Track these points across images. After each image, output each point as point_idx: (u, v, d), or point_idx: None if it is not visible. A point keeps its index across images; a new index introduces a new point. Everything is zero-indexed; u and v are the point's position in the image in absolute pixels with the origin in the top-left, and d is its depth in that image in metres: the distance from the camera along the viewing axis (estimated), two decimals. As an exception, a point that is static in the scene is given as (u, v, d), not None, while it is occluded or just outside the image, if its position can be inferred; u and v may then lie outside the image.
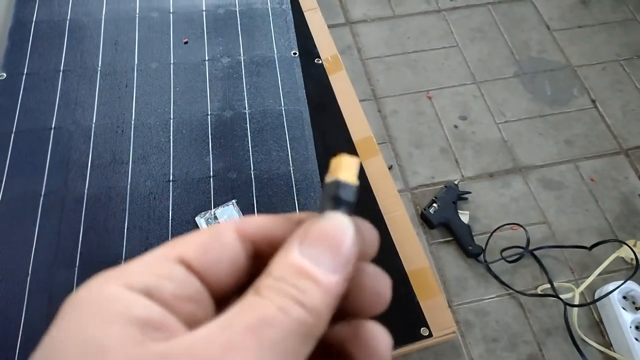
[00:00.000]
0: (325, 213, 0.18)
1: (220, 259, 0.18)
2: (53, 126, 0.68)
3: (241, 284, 0.19)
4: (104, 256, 0.59)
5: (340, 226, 0.17)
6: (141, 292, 0.16)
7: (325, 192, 0.18)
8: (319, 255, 0.16)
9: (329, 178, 0.19)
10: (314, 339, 0.15)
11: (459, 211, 1.18)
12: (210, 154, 0.67)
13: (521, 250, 1.14)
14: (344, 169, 0.18)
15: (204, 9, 0.79)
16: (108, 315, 0.15)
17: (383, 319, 0.64)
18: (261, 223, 0.19)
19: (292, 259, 0.16)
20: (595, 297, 1.09)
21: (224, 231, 0.18)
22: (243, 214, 0.62)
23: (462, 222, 1.16)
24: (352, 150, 0.69)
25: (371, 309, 0.19)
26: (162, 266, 0.17)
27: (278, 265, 0.16)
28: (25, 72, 0.72)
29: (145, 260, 0.17)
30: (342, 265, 0.16)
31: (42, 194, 0.63)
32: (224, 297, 0.18)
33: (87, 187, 0.64)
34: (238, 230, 0.18)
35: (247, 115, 0.70)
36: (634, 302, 1.06)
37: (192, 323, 0.16)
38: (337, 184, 0.18)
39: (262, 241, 0.19)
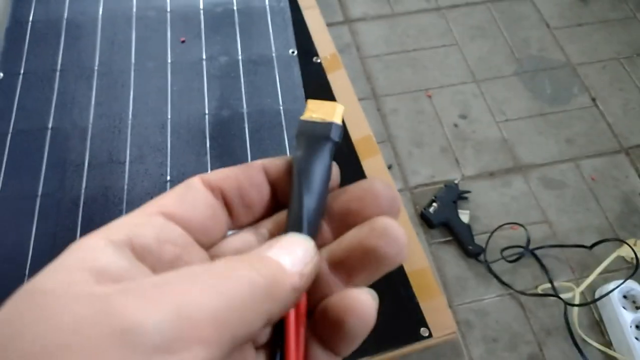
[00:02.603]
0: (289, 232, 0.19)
1: (195, 206, 0.19)
2: (50, 126, 0.67)
3: (225, 233, 0.21)
4: (100, 257, 0.58)
5: (299, 239, 0.18)
6: (121, 243, 0.16)
7: (313, 131, 0.20)
8: (282, 252, 0.18)
9: (312, 117, 0.20)
10: (262, 310, 0.16)
11: (459, 211, 1.17)
12: (208, 154, 0.66)
13: (521, 249, 1.14)
14: (332, 113, 0.20)
15: (201, 7, 0.78)
16: (71, 264, 0.15)
17: (383, 319, 0.64)
18: (224, 172, 0.21)
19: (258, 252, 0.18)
20: (596, 297, 1.08)
21: (193, 182, 0.20)
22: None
23: (462, 221, 1.15)
24: (351, 149, 0.69)
25: (389, 260, 0.19)
26: (142, 217, 0.18)
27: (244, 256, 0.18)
28: (21, 72, 0.72)
29: (128, 216, 0.18)
30: (296, 262, 0.17)
31: (39, 194, 0.63)
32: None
33: (84, 187, 0.64)
34: (203, 181, 0.20)
35: (245, 115, 0.69)
36: (634, 302, 1.05)
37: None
38: (330, 126, 0.20)
39: (229, 188, 0.20)
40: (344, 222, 0.20)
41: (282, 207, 0.21)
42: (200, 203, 0.20)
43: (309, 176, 0.19)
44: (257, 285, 0.16)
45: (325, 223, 0.20)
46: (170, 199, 0.19)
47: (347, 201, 0.20)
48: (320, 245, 0.20)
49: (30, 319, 0.13)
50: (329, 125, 0.20)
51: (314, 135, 0.20)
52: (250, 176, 0.20)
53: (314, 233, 0.19)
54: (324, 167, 0.19)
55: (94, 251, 0.16)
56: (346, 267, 0.20)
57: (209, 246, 0.20)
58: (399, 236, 0.19)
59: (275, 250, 0.17)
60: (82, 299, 0.14)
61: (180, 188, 0.20)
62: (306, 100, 0.21)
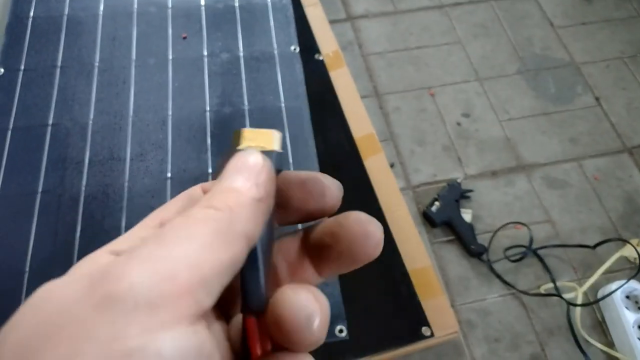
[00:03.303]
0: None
1: None
2: (50, 123, 0.67)
3: None
4: (100, 255, 0.58)
5: (242, 156, 0.19)
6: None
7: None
8: (230, 177, 0.18)
9: (251, 147, 0.20)
10: (234, 234, 0.16)
11: (461, 210, 1.17)
12: (209, 151, 0.66)
13: (524, 249, 1.13)
14: (270, 141, 0.20)
15: (202, 3, 0.78)
16: (74, 272, 0.16)
17: (385, 318, 0.63)
18: None
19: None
20: (598, 297, 1.08)
21: (194, 191, 0.21)
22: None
23: (465, 221, 1.15)
24: (353, 147, 0.68)
25: (362, 252, 0.19)
26: (145, 229, 0.19)
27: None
28: (22, 68, 0.72)
29: (132, 230, 0.19)
30: (248, 176, 0.18)
31: (39, 191, 0.63)
32: None
33: (84, 184, 0.63)
34: (204, 189, 0.21)
35: (247, 112, 0.69)
36: (636, 302, 1.05)
37: None
38: (271, 154, 0.19)
39: None
40: (321, 256, 0.20)
41: (283, 214, 0.21)
42: None
43: None
44: (217, 218, 0.16)
45: (306, 259, 0.21)
46: (172, 210, 0.19)
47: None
48: (301, 280, 0.21)
49: (27, 311, 0.14)
50: (269, 154, 0.19)
51: None
52: None
53: (267, 263, 0.19)
54: None
55: (98, 262, 0.16)
56: (320, 251, 0.20)
57: None
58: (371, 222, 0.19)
59: (225, 179, 0.18)
60: (70, 287, 0.14)
61: (181, 198, 0.20)
62: (234, 132, 0.21)
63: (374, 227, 0.19)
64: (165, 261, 0.14)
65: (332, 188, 0.20)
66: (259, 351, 0.17)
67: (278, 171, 0.20)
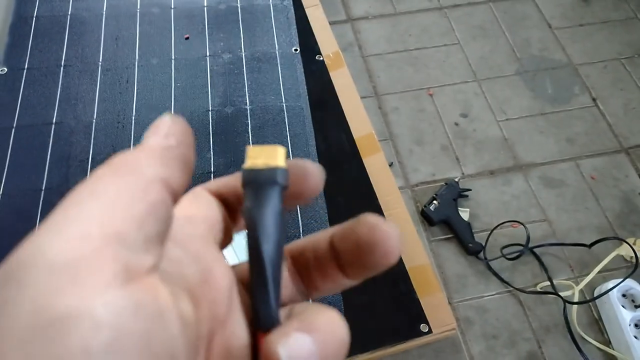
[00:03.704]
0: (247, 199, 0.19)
1: (209, 208, 0.20)
2: (54, 121, 0.68)
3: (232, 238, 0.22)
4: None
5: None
6: None
7: (259, 179, 0.20)
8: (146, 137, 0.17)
9: (256, 165, 0.20)
10: (144, 178, 0.15)
11: (459, 209, 1.18)
12: (211, 150, 0.67)
13: (521, 247, 1.14)
14: (274, 157, 0.20)
15: (205, 4, 0.78)
16: None
17: (383, 315, 0.64)
18: (223, 180, 0.22)
19: None
20: (595, 295, 1.09)
21: (198, 190, 0.21)
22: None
23: (463, 219, 1.16)
24: (353, 146, 0.69)
25: (371, 260, 0.19)
26: None
27: None
28: (26, 67, 0.72)
29: None
30: (157, 131, 0.17)
31: (43, 189, 0.63)
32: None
33: (87, 182, 0.64)
34: (205, 189, 0.21)
35: (248, 112, 0.70)
36: (633, 300, 1.06)
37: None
38: (276, 171, 0.19)
39: (229, 194, 0.21)
40: (342, 259, 0.20)
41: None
42: (213, 205, 0.20)
43: (264, 226, 0.19)
44: (121, 170, 0.15)
45: (333, 261, 0.20)
46: (186, 204, 0.20)
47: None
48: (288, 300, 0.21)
49: None
50: (274, 171, 0.19)
51: (261, 184, 0.19)
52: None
53: (277, 281, 0.19)
54: (276, 215, 0.19)
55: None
56: (341, 255, 0.20)
57: (222, 248, 0.20)
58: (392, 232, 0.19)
59: (141, 142, 0.17)
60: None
61: (189, 196, 0.20)
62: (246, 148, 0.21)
63: (384, 236, 0.18)
64: (73, 222, 0.13)
65: (311, 169, 0.20)
66: None
67: (284, 187, 0.20)
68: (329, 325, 0.17)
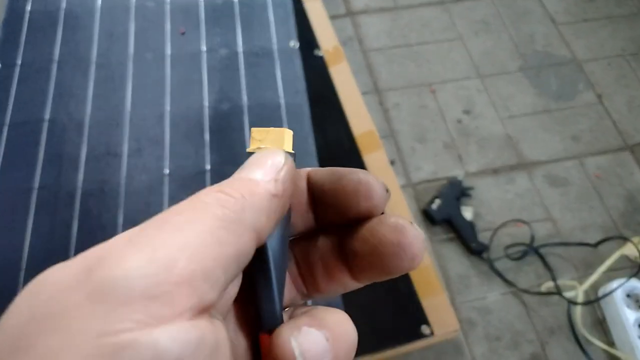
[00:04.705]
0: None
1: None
2: (46, 118, 0.66)
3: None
4: (97, 252, 0.57)
5: (265, 152, 0.18)
6: None
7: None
8: (248, 169, 0.17)
9: (261, 148, 0.19)
10: (243, 225, 0.15)
11: (462, 207, 1.16)
12: (207, 147, 0.65)
13: (525, 247, 1.13)
14: (281, 140, 0.19)
15: (201, -2, 0.77)
16: (76, 257, 0.15)
17: (384, 317, 0.62)
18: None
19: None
20: (599, 295, 1.07)
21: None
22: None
23: (465, 218, 1.14)
24: (353, 144, 0.68)
25: (393, 264, 0.18)
26: None
27: None
28: (19, 63, 0.71)
29: None
30: (267, 171, 0.17)
31: (36, 187, 0.62)
32: None
33: (80, 180, 0.63)
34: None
35: (245, 108, 0.68)
36: (637, 300, 1.04)
37: None
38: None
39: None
40: (354, 263, 0.19)
41: (321, 217, 0.20)
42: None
43: None
44: (226, 204, 0.15)
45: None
46: None
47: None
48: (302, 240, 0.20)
49: (24, 298, 0.14)
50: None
51: None
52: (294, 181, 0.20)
53: (281, 279, 0.18)
54: None
55: (115, 238, 0.16)
56: (354, 257, 0.19)
57: None
58: (417, 235, 0.18)
59: (243, 170, 0.17)
60: (66, 271, 0.14)
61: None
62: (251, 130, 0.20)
63: (410, 238, 0.17)
64: (164, 248, 0.13)
65: (369, 184, 0.18)
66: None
67: None
68: (340, 325, 0.16)
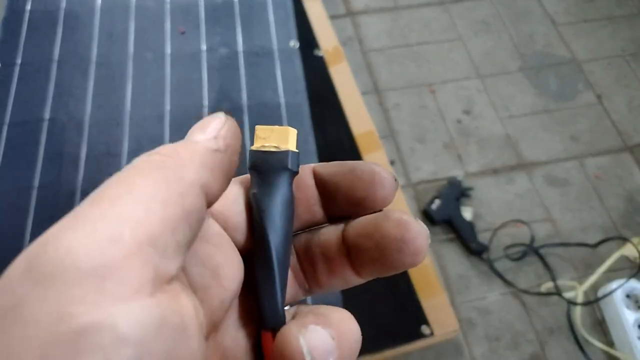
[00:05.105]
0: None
1: (236, 203, 0.19)
2: (46, 117, 0.66)
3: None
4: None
5: (206, 117, 0.17)
6: None
7: (267, 162, 0.18)
8: (188, 134, 0.17)
9: (265, 147, 0.19)
10: (184, 182, 0.14)
11: (461, 208, 1.16)
12: (207, 147, 0.65)
13: (525, 247, 1.13)
14: (285, 139, 0.19)
15: (201, -2, 0.77)
16: None
17: (383, 317, 0.62)
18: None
19: None
20: (599, 296, 1.07)
21: (234, 180, 0.19)
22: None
23: (465, 219, 1.14)
24: (353, 144, 0.67)
25: (397, 259, 0.17)
26: None
27: None
28: (18, 63, 0.71)
29: None
30: (206, 130, 0.17)
31: (35, 186, 0.62)
32: None
33: (80, 180, 0.63)
34: (241, 182, 0.20)
35: (245, 108, 0.68)
36: (637, 301, 1.04)
37: None
38: (287, 154, 0.18)
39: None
40: (357, 258, 0.19)
41: (331, 205, 0.20)
42: (239, 200, 0.19)
43: (271, 214, 0.18)
44: (162, 165, 0.14)
45: (344, 257, 0.19)
46: None
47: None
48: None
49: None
50: (284, 154, 0.18)
51: (270, 167, 0.18)
52: (299, 177, 0.20)
53: (284, 276, 0.18)
54: (285, 201, 0.18)
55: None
56: (356, 251, 0.18)
57: (247, 248, 0.19)
58: (420, 230, 0.17)
59: (186, 137, 0.16)
60: (15, 264, 0.13)
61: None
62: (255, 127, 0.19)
63: (414, 233, 0.17)
64: (105, 220, 0.12)
65: (383, 174, 0.18)
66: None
67: (295, 173, 0.19)
68: (344, 323, 0.16)
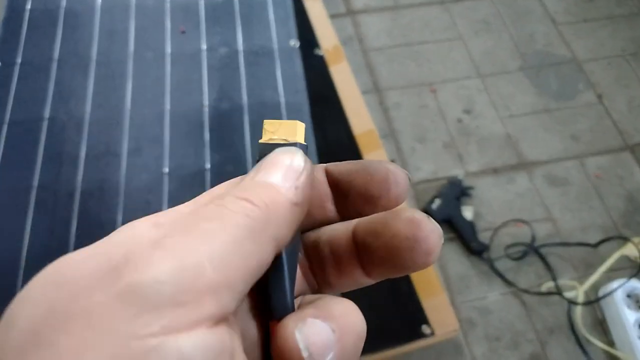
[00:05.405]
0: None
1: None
2: (46, 117, 0.66)
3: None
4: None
5: (286, 151, 0.18)
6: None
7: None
8: (267, 171, 0.17)
9: (274, 139, 0.19)
10: (266, 236, 0.15)
11: (462, 207, 1.16)
12: (207, 146, 0.65)
13: (525, 247, 1.13)
14: (293, 132, 0.19)
15: (202, -3, 0.77)
16: (97, 248, 0.15)
17: (384, 316, 0.62)
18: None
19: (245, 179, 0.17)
20: (599, 295, 1.07)
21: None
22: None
23: (465, 218, 1.14)
24: (353, 143, 0.67)
25: (408, 258, 0.17)
26: (195, 207, 0.17)
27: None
28: (18, 62, 0.71)
29: (181, 205, 0.18)
30: (287, 174, 0.17)
31: (35, 186, 0.62)
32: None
33: (80, 179, 0.62)
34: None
35: (245, 107, 0.68)
36: (637, 301, 1.04)
37: None
38: (296, 146, 0.18)
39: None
40: (366, 257, 0.18)
41: (344, 204, 0.20)
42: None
43: None
44: (252, 215, 0.15)
45: (354, 257, 0.19)
46: (224, 190, 0.18)
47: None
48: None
49: (40, 289, 0.13)
50: (293, 146, 0.18)
51: None
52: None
53: (293, 267, 0.18)
54: None
55: (137, 230, 0.15)
56: (366, 251, 0.18)
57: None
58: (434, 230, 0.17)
59: (262, 173, 0.17)
60: (89, 265, 0.13)
61: (236, 179, 0.19)
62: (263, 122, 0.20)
63: (426, 232, 0.17)
64: (192, 255, 0.13)
65: (396, 172, 0.18)
66: None
67: None
68: (347, 315, 0.16)
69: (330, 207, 0.20)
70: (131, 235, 0.15)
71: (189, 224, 0.14)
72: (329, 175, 0.20)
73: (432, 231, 0.17)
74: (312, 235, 0.20)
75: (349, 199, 0.19)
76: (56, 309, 0.13)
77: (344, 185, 0.19)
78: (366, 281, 0.19)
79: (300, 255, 0.20)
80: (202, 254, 0.13)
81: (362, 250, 0.18)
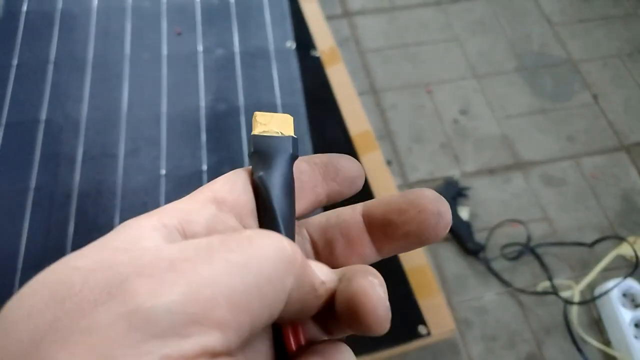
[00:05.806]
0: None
1: (247, 192, 0.19)
2: (43, 118, 0.66)
3: None
4: (93, 252, 0.57)
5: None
6: (172, 227, 0.16)
7: (270, 146, 0.19)
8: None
9: (266, 132, 0.19)
10: (281, 290, 0.15)
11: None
12: (204, 148, 0.65)
13: (521, 247, 1.13)
14: (285, 125, 0.20)
15: (198, -1, 0.77)
16: (116, 243, 0.15)
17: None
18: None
19: None
20: (595, 295, 1.08)
21: (239, 171, 0.20)
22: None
23: (462, 218, 1.14)
24: (349, 144, 0.68)
25: (432, 232, 0.19)
26: (194, 203, 0.18)
27: None
28: (14, 64, 0.71)
29: (179, 201, 0.18)
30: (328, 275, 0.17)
31: (31, 188, 0.62)
32: None
33: (77, 181, 0.62)
34: (249, 171, 0.20)
35: (241, 109, 0.68)
36: (633, 300, 1.04)
37: None
38: (289, 140, 0.19)
39: None
40: (385, 234, 0.20)
41: (332, 200, 0.21)
42: (248, 189, 0.19)
43: (278, 195, 0.18)
44: (282, 251, 0.15)
45: (366, 235, 0.20)
46: (222, 185, 0.19)
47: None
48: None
49: (41, 294, 0.13)
50: (286, 139, 0.19)
51: (274, 152, 0.19)
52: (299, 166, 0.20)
53: (288, 211, 0.19)
54: (289, 184, 0.19)
55: (143, 231, 0.15)
56: (385, 228, 0.20)
57: None
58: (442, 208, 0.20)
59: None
60: (95, 277, 0.13)
61: (230, 175, 0.19)
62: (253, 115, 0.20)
63: (446, 207, 0.20)
64: (209, 287, 0.13)
65: (347, 164, 0.21)
66: (294, 346, 0.17)
67: (295, 157, 0.20)
68: None
69: (320, 192, 0.21)
70: (140, 244, 0.14)
71: (211, 250, 0.14)
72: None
73: (448, 208, 0.20)
74: (317, 219, 0.21)
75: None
76: (58, 324, 0.12)
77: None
78: (375, 257, 0.20)
79: (308, 245, 0.21)
80: (219, 287, 0.13)
81: (379, 227, 0.20)
